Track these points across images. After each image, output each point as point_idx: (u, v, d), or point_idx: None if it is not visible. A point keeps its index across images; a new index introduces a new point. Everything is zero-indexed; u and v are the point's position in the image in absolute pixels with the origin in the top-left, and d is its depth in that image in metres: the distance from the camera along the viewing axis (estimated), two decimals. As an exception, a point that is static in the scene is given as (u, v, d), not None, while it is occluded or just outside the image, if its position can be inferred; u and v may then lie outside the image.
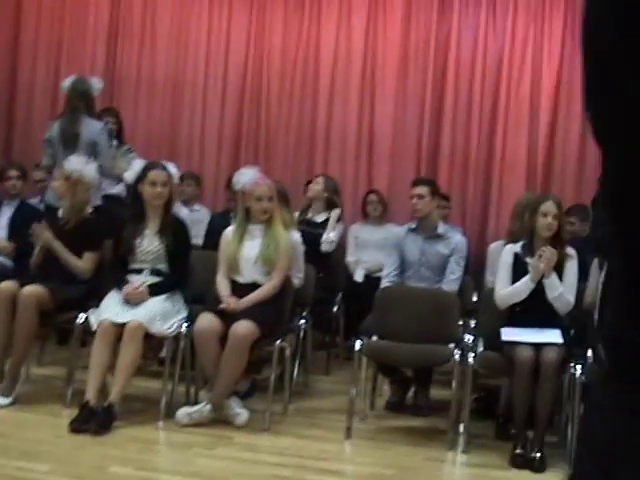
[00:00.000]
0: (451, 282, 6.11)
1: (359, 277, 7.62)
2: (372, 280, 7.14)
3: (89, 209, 5.95)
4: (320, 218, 7.46)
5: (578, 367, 5.14)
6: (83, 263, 5.77)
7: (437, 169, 8.53)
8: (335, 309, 7.19)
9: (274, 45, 8.93)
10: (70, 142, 6.69)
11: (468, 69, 8.53)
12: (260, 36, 8.97)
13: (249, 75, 8.98)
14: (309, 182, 8.03)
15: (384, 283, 6.21)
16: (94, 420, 4.99)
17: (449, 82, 8.55)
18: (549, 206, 5.35)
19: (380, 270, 6.69)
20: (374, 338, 5.72)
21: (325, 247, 7.24)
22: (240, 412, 5.39)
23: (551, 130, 8.36)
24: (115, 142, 7.38)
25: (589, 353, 5.26)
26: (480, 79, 8.50)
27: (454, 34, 8.58)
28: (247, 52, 8.99)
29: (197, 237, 7.15)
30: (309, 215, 7.50)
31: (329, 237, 7.27)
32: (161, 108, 9.10)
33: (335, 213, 7.42)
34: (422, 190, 6.20)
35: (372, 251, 7.72)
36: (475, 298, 6.63)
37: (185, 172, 7.98)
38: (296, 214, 6.97)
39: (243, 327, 5.26)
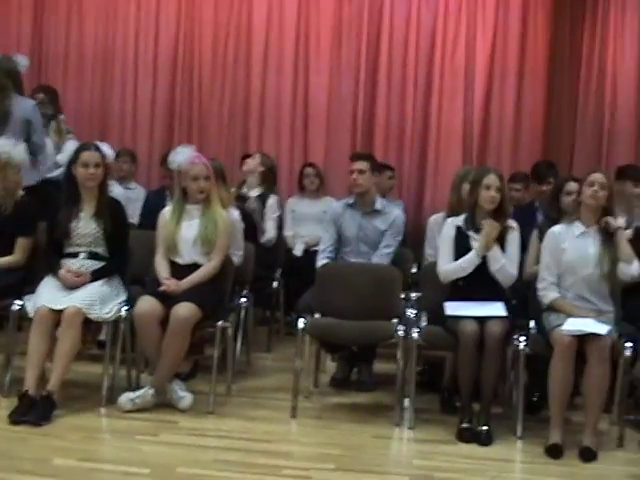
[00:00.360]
0: (383, 256, 6.10)
1: (298, 251, 7.58)
2: (311, 254, 7.09)
3: (20, 191, 5.78)
4: (254, 193, 7.37)
5: (522, 339, 5.16)
6: (15, 255, 5.60)
7: (373, 141, 8.48)
8: (275, 285, 7.14)
9: (205, 17, 8.76)
10: (1, 121, 6.50)
11: (402, 40, 8.46)
12: (191, 8, 8.80)
13: (180, 48, 8.81)
14: (245, 157, 7.93)
15: (321, 259, 6.18)
16: (34, 411, 4.87)
17: (383, 53, 8.48)
18: (492, 179, 5.33)
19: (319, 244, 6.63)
20: (317, 315, 5.68)
21: (267, 244, 7.15)
22: (184, 395, 5.32)
23: (486, 100, 8.35)
24: (62, 117, 7.20)
25: (531, 324, 5.29)
26: (414, 50, 8.44)
27: (387, 4, 8.50)
28: (178, 25, 8.81)
29: (133, 216, 7.03)
30: (244, 190, 7.41)
31: (268, 235, 7.17)
32: (91, 84, 8.89)
33: (272, 201, 7.32)
34: (363, 165, 6.16)
35: (310, 225, 7.67)
36: (414, 270, 6.61)
37: (121, 149, 7.84)
38: (233, 190, 6.87)
39: (184, 309, 5.17)
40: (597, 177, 5.19)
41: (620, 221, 5.23)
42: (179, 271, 5.47)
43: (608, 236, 5.14)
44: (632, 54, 8.20)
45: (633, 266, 5.15)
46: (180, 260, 5.54)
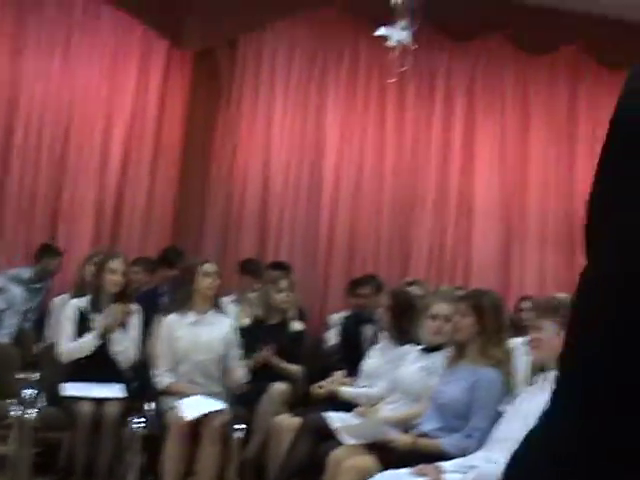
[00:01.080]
0: (3, 335, 6.08)
1: None
2: None
3: None
4: None
5: (139, 420, 5.26)
6: None
7: (3, 217, 8.22)
8: None
9: None
10: None
11: (38, 115, 8.34)
12: None
13: None
14: None
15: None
16: None
17: (18, 127, 8.31)
18: (117, 263, 5.47)
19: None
20: None
21: None
22: None
23: (120, 183, 8.43)
24: None
25: (149, 406, 5.41)
26: (51, 127, 8.34)
27: (26, 78, 8.37)
28: None
29: None
30: None
31: None
32: None
33: None
34: None
35: None
36: (36, 350, 6.53)
37: None
38: None
39: None
40: (210, 267, 5.51)
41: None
42: None
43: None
44: (260, 151, 8.70)
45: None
46: None
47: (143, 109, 8.55)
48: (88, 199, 8.34)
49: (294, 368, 6.10)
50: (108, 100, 8.50)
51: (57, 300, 6.32)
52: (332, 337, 7.33)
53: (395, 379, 4.96)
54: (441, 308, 4.82)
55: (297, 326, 6.34)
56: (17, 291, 6.27)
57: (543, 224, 9.00)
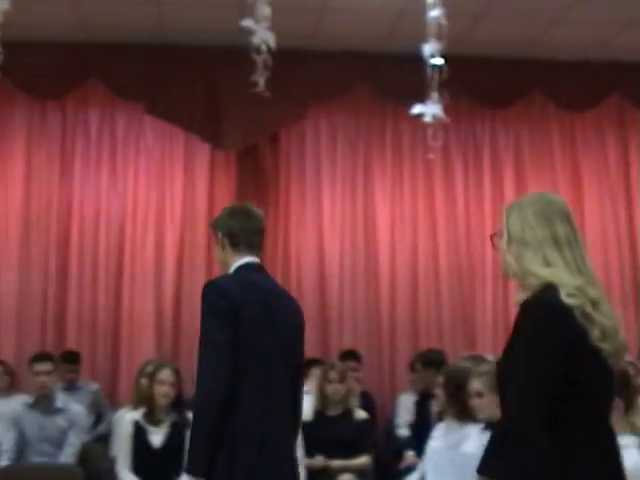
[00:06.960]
0: (68, 455, 6.06)
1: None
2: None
3: None
4: None
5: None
6: None
7: (65, 332, 8.32)
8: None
9: None
10: None
11: (92, 231, 8.49)
12: None
13: None
14: None
15: (2, 460, 6.03)
16: None
17: (73, 245, 8.44)
18: (165, 374, 5.42)
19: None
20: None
21: None
22: None
23: (177, 289, 8.48)
24: None
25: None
26: (105, 241, 8.47)
27: (77, 198, 8.55)
28: None
29: None
30: None
31: None
32: None
33: None
34: (49, 366, 6.19)
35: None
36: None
37: None
38: None
39: None
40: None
41: None
42: None
43: None
44: (312, 243, 8.68)
45: None
46: None
47: (193, 214, 8.61)
48: (147, 310, 8.38)
49: (361, 461, 5.97)
50: (158, 209, 8.59)
51: (117, 414, 6.31)
52: (401, 420, 7.21)
53: (455, 460, 4.77)
54: (472, 385, 4.63)
55: (361, 415, 6.21)
56: (78, 409, 6.25)
57: (606, 279, 8.65)
